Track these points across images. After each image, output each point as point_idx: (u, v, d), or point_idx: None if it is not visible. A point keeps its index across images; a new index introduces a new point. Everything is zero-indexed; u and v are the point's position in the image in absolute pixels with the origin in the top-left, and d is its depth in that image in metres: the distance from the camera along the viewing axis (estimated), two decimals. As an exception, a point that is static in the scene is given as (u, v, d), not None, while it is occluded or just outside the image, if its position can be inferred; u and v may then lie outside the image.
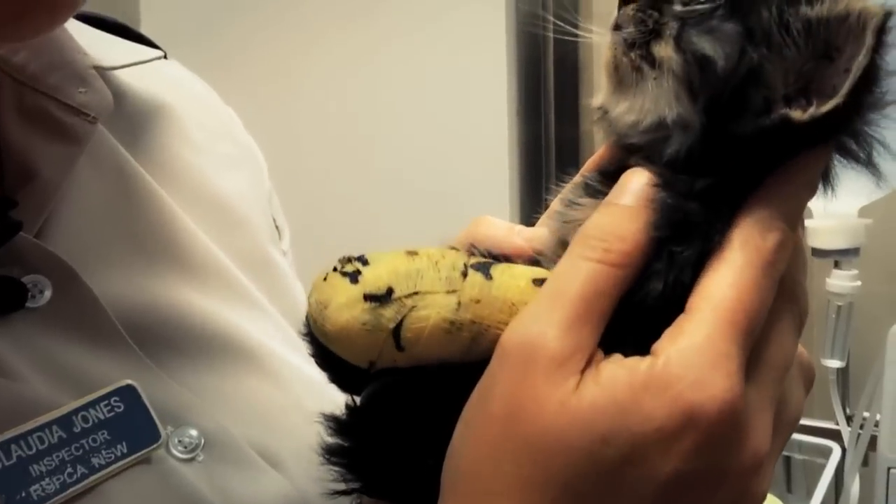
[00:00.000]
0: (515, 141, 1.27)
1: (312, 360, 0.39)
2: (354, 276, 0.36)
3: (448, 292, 0.36)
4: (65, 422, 0.39)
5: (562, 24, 0.41)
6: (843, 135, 0.37)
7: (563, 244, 0.39)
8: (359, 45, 1.32)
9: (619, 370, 0.33)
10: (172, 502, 0.41)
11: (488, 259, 0.38)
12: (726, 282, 0.35)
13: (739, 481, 0.34)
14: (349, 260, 0.37)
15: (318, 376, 0.51)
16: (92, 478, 0.38)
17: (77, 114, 0.49)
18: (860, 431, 0.83)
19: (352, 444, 0.40)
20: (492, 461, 0.34)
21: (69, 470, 0.38)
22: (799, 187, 0.37)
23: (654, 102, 0.37)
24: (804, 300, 0.38)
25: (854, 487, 0.81)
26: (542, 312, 0.34)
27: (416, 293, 0.36)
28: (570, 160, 1.30)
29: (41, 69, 0.50)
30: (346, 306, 0.36)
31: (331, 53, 1.34)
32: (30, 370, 0.41)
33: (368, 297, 0.36)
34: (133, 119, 0.55)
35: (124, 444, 0.40)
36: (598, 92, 0.41)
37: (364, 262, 0.37)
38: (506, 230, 0.41)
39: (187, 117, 0.59)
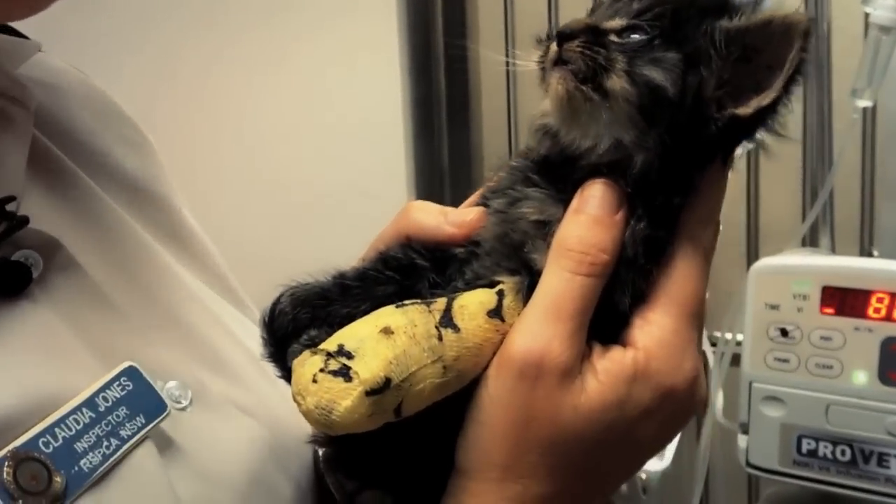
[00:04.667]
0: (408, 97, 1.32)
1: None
2: (346, 374, 0.37)
3: (433, 362, 0.39)
4: (91, 403, 0.43)
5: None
6: (767, 122, 0.42)
7: (504, 238, 0.43)
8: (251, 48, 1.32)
9: (611, 366, 0.41)
10: (183, 456, 0.46)
11: (442, 299, 0.41)
12: (682, 277, 0.42)
13: (692, 403, 0.43)
14: (329, 355, 0.38)
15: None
16: (124, 448, 0.43)
17: (14, 102, 0.50)
18: (723, 351, 0.97)
19: (349, 453, 0.44)
20: (516, 453, 0.40)
21: (105, 443, 0.42)
22: (721, 187, 0.44)
23: (609, 128, 0.41)
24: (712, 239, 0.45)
25: (719, 399, 0.96)
26: (542, 328, 0.40)
27: (409, 374, 0.38)
28: (460, 113, 1.36)
29: None
30: (352, 409, 0.37)
31: (224, 57, 1.33)
32: (45, 338, 0.44)
33: (370, 393, 0.37)
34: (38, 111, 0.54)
35: (141, 416, 0.45)
36: (542, 111, 0.44)
37: (347, 355, 0.38)
38: (435, 216, 0.45)
39: (79, 105, 0.59)
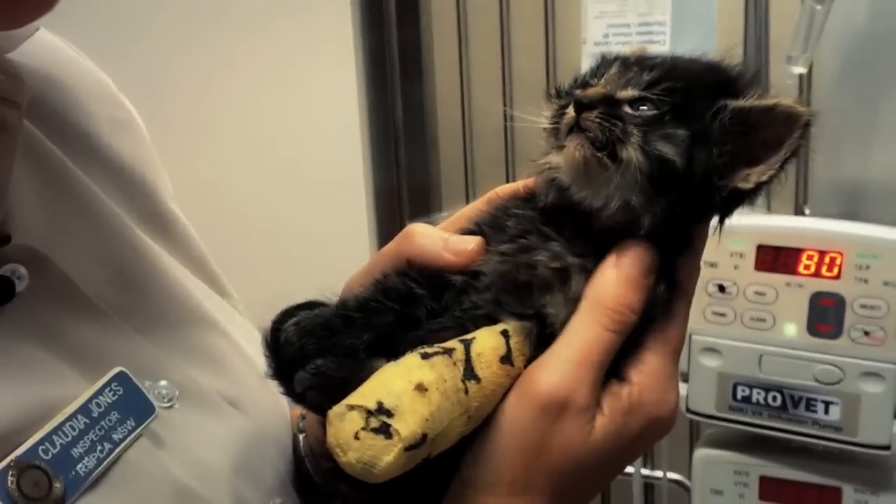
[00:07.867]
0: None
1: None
2: (387, 431, 0.40)
3: (461, 414, 0.43)
4: (85, 410, 0.45)
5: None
6: (761, 192, 0.46)
7: (507, 275, 0.47)
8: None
9: (612, 401, 0.46)
10: (172, 450, 0.48)
11: (459, 346, 0.44)
12: (672, 323, 0.48)
13: (670, 426, 0.48)
14: (370, 413, 0.40)
15: (247, 324, 0.59)
16: (117, 451, 0.45)
17: (4, 103, 0.48)
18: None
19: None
20: (525, 474, 0.45)
21: (99, 447, 0.44)
22: (703, 243, 0.49)
23: (619, 191, 0.45)
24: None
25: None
26: (572, 372, 0.45)
27: (442, 429, 0.42)
28: (413, 67, 1.37)
29: None
30: (393, 463, 0.40)
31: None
32: (35, 351, 0.45)
33: (409, 448, 0.40)
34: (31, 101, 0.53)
35: (132, 419, 0.47)
36: (551, 163, 0.47)
37: (387, 413, 0.40)
38: (436, 244, 0.48)
39: (73, 85, 0.58)
